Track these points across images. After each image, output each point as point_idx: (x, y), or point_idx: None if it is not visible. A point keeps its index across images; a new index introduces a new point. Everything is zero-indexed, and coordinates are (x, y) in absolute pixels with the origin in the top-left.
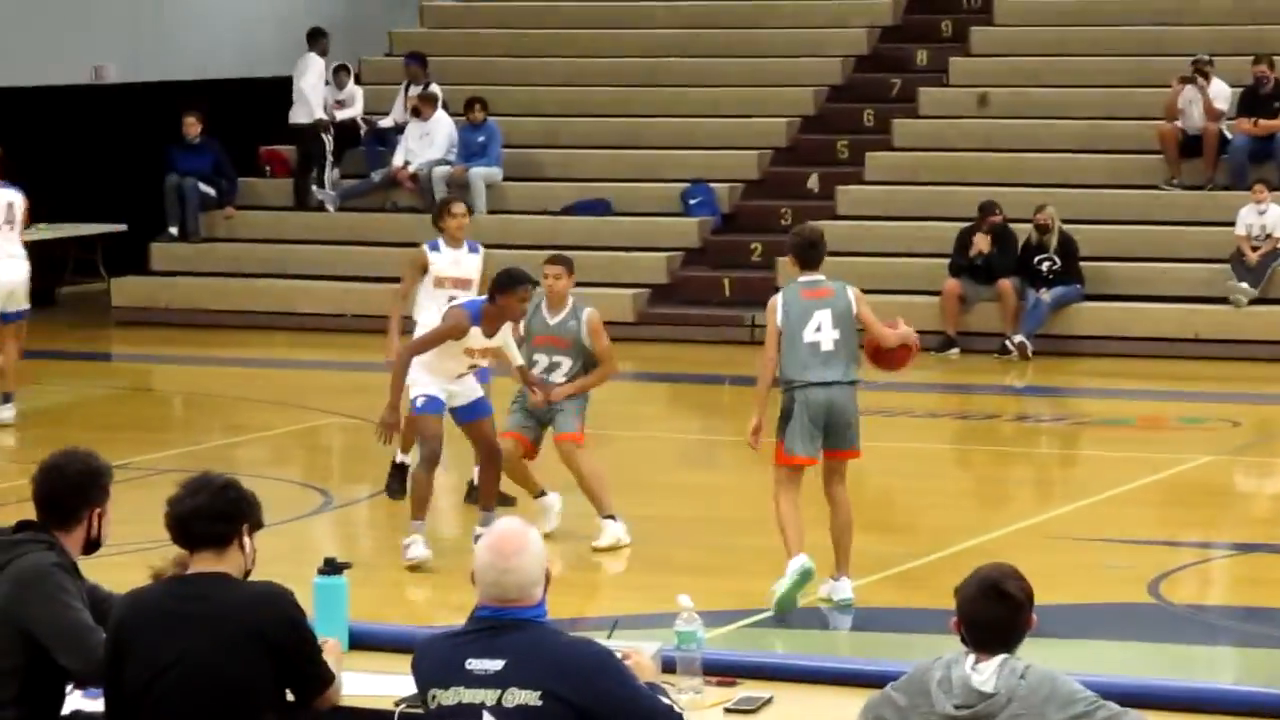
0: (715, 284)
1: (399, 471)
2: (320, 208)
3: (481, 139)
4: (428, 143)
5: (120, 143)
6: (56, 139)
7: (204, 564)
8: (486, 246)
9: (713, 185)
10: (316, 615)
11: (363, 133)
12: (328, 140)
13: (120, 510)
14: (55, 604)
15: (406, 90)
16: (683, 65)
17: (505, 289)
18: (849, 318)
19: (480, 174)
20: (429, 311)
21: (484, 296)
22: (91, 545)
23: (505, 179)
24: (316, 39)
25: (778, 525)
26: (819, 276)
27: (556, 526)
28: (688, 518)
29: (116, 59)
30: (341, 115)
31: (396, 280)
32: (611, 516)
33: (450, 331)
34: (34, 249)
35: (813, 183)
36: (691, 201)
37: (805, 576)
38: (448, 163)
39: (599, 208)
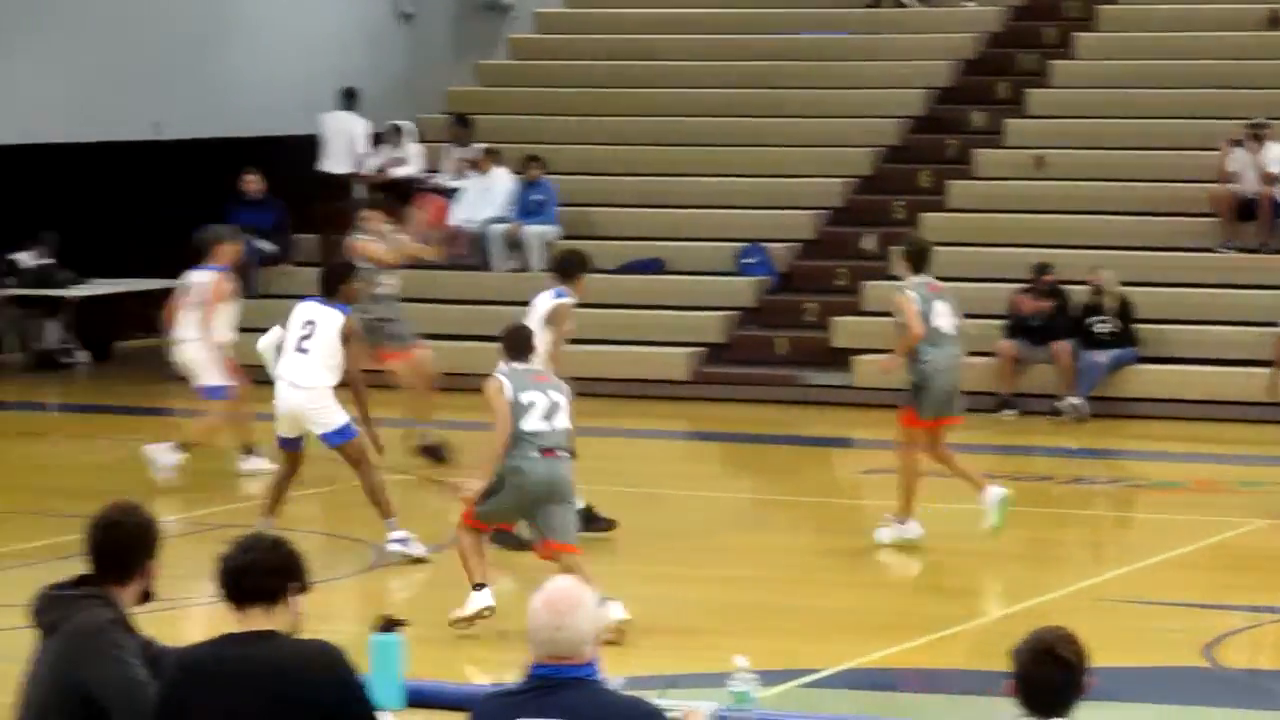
0: (769, 344)
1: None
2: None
3: (538, 197)
4: (486, 198)
5: (180, 198)
6: (117, 194)
7: (253, 621)
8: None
9: (768, 245)
10: (372, 672)
11: (418, 190)
12: (357, 192)
13: (178, 566)
14: (111, 661)
15: (453, 150)
16: (740, 125)
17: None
18: (958, 307)
19: (536, 232)
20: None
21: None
22: (145, 598)
23: (561, 237)
24: (348, 98)
25: (903, 479)
26: (930, 277)
27: None
28: (741, 578)
29: (177, 115)
30: (399, 172)
31: (452, 338)
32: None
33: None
34: (92, 304)
35: (868, 243)
36: (747, 261)
37: (1007, 502)
38: (504, 220)
39: (653, 266)
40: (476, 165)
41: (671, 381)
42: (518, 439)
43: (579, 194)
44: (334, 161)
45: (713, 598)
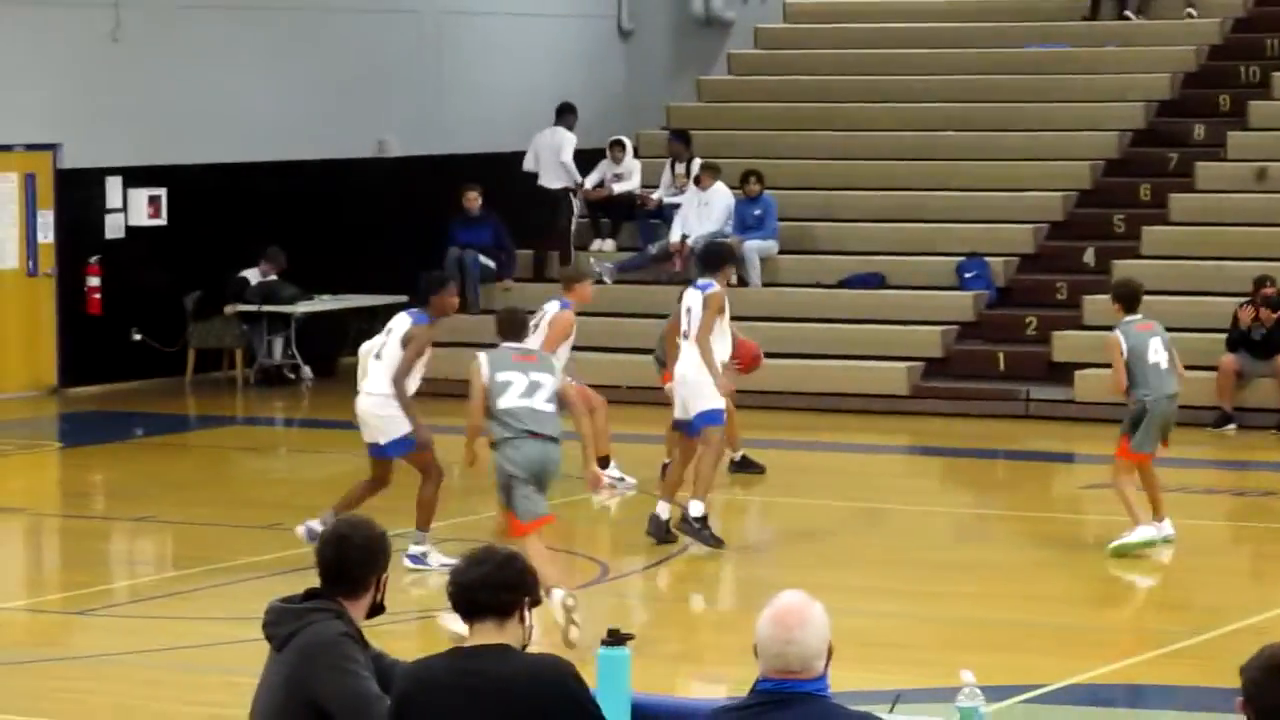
0: (990, 358)
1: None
2: (598, 280)
3: (757, 212)
4: (705, 214)
5: (402, 215)
6: (341, 211)
7: (485, 635)
8: (759, 320)
9: (988, 259)
10: (599, 687)
11: (637, 206)
12: (575, 207)
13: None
14: (343, 673)
15: (672, 167)
16: (959, 139)
17: (439, 288)
18: (1169, 342)
19: (755, 247)
20: (414, 381)
21: (416, 307)
22: (375, 610)
23: (780, 252)
24: (563, 114)
25: (1123, 502)
26: (1140, 316)
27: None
28: (963, 593)
29: (399, 133)
30: (619, 188)
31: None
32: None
33: (422, 348)
34: (317, 320)
35: (1088, 257)
36: (966, 275)
37: (1149, 543)
38: (723, 235)
39: (873, 281)
40: (696, 181)
41: (891, 396)
42: (496, 417)
43: (799, 209)
44: (549, 177)
45: (936, 612)
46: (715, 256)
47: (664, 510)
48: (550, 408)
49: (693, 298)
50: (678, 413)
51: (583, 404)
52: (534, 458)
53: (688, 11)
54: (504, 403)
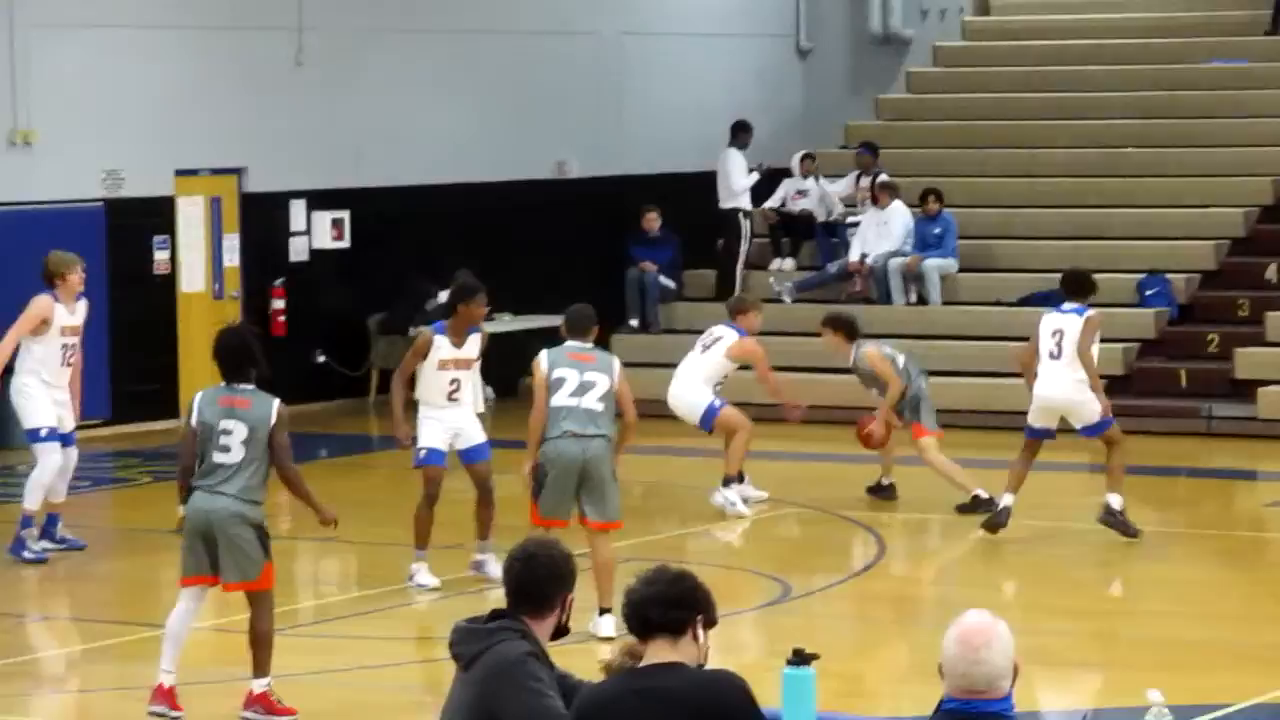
0: (1172, 375)
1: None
2: (777, 299)
3: (937, 230)
4: (884, 233)
5: (581, 236)
6: (521, 232)
7: (659, 653)
8: (940, 338)
9: (1169, 276)
10: (784, 706)
11: (818, 223)
12: (745, 228)
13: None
14: (528, 692)
15: (858, 180)
16: (1140, 156)
17: (464, 298)
18: None
19: (935, 265)
20: (432, 391)
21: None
22: (560, 631)
23: (960, 270)
24: (738, 133)
25: None
26: None
27: None
28: (1149, 611)
29: (578, 154)
30: (800, 205)
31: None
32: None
33: (421, 347)
34: (499, 341)
35: (1271, 273)
36: (1148, 293)
37: None
38: (903, 254)
39: (1054, 299)
40: (874, 200)
41: None
42: (551, 415)
43: (979, 227)
44: (723, 197)
45: (1120, 631)
46: (1081, 282)
47: (1115, 501)
48: (600, 406)
49: (1064, 321)
50: (1044, 422)
51: (631, 414)
52: (573, 456)
53: (866, 30)
54: (555, 400)
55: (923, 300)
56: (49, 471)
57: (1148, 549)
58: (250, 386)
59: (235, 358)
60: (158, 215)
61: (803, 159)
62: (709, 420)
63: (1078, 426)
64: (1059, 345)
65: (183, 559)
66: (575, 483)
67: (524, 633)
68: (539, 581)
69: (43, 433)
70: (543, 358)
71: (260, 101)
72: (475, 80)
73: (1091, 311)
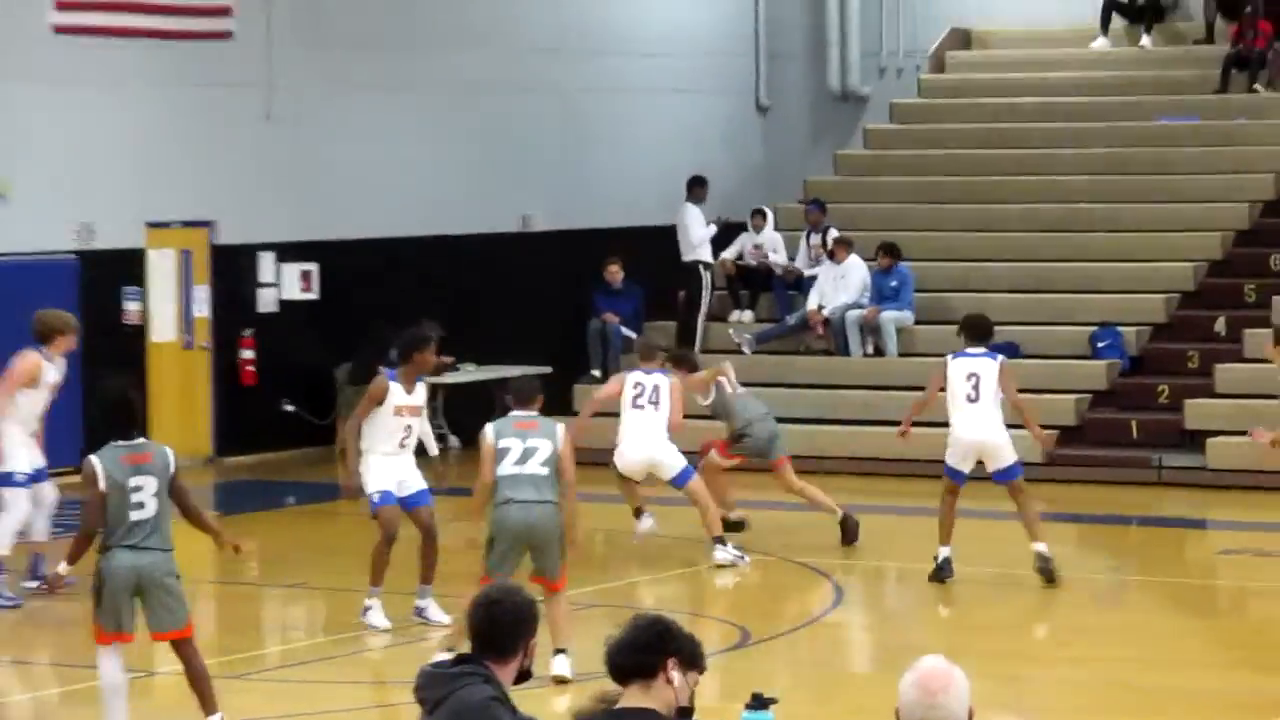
0: (1123, 426)
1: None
2: (738, 350)
3: (894, 283)
4: (842, 286)
5: (546, 287)
6: (486, 284)
7: (632, 698)
8: (897, 389)
9: (1121, 329)
10: None
11: (775, 275)
12: (705, 280)
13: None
14: None
15: (808, 237)
16: (1092, 211)
17: (417, 346)
18: None
19: (891, 317)
20: (382, 437)
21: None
22: (523, 675)
23: (916, 322)
24: (694, 188)
25: None
26: None
27: None
28: (1105, 657)
29: (543, 208)
30: (757, 259)
31: (809, 422)
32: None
33: (377, 394)
34: (464, 390)
35: (1219, 326)
36: (1100, 345)
37: None
38: (860, 306)
39: (1009, 351)
40: (832, 254)
41: (1027, 463)
42: (498, 485)
43: (936, 280)
44: (685, 249)
45: (1077, 676)
46: (985, 326)
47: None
48: (545, 471)
49: (978, 365)
50: (965, 464)
51: (570, 475)
52: (519, 522)
53: (825, 87)
54: (501, 469)
55: (879, 351)
56: (19, 517)
57: (1101, 596)
58: (143, 439)
59: (128, 412)
60: (129, 267)
61: (752, 214)
62: (685, 479)
63: (991, 469)
64: (975, 389)
65: (104, 618)
66: (523, 548)
67: (487, 677)
68: (502, 627)
69: (18, 477)
70: (489, 430)
71: (230, 156)
72: (441, 135)
73: (1001, 356)
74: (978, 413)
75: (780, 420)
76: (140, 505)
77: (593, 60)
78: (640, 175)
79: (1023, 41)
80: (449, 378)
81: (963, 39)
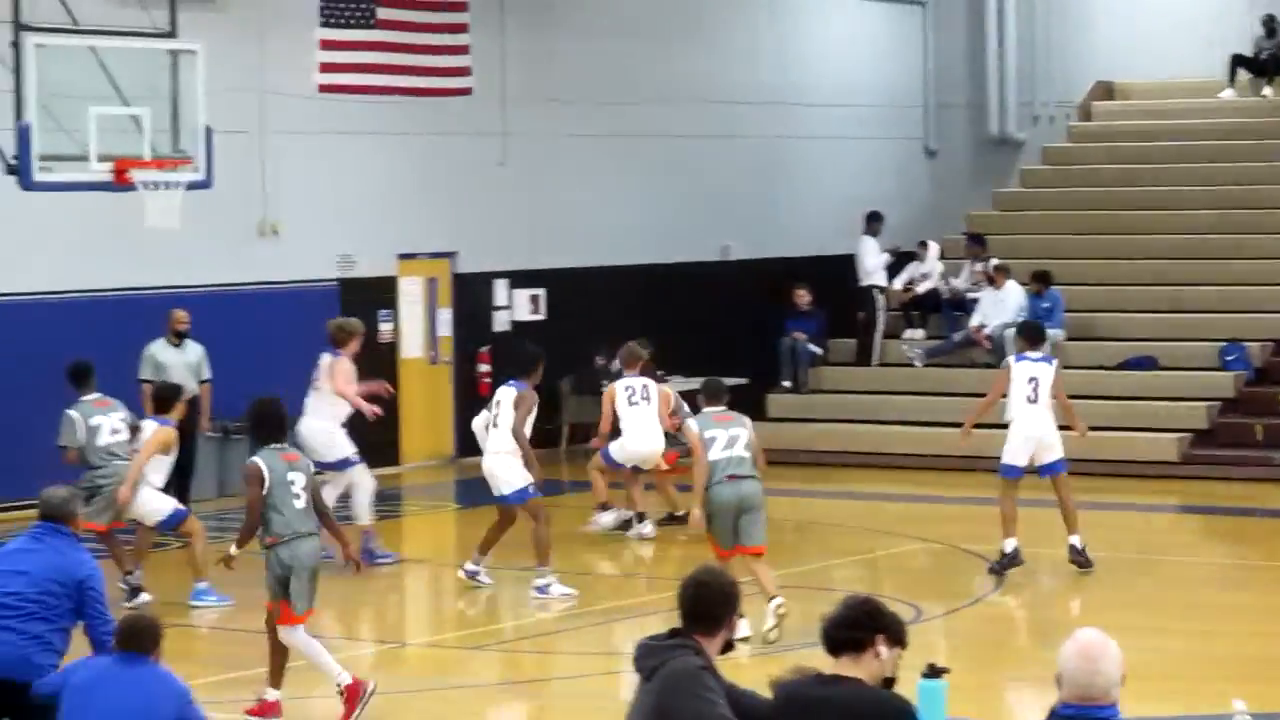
0: (1248, 430)
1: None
2: (909, 364)
3: (1046, 305)
4: (1001, 308)
5: (741, 309)
6: (690, 306)
7: (843, 668)
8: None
9: (1246, 344)
10: (920, 715)
11: (942, 298)
12: (880, 303)
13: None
14: (702, 701)
15: (972, 264)
16: (1220, 241)
17: (537, 363)
18: None
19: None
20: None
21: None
22: (727, 647)
23: (1067, 339)
24: (870, 222)
25: None
26: None
27: None
28: (1231, 631)
29: (740, 239)
30: (924, 287)
31: (977, 426)
32: None
33: (531, 406)
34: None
35: None
36: (1228, 358)
37: None
38: (1016, 325)
39: (1148, 364)
40: (991, 279)
41: (1164, 463)
42: (710, 468)
43: (1083, 302)
44: (861, 275)
45: (1206, 649)
46: (1041, 332)
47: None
48: (747, 453)
49: (1037, 369)
50: (1023, 460)
51: (760, 458)
52: (731, 496)
53: (985, 133)
54: (712, 455)
55: None
56: (369, 488)
57: (1227, 579)
58: (288, 444)
59: (279, 420)
60: (383, 292)
61: (919, 245)
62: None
63: (1041, 463)
64: (1035, 390)
65: (299, 600)
66: (734, 517)
67: (697, 649)
68: (711, 604)
69: (353, 458)
70: (692, 423)
71: (470, 196)
72: (651, 177)
73: (1056, 361)
74: (1036, 412)
75: (946, 426)
76: (298, 497)
77: (784, 111)
78: (824, 211)
79: (1159, 93)
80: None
81: (1106, 90)
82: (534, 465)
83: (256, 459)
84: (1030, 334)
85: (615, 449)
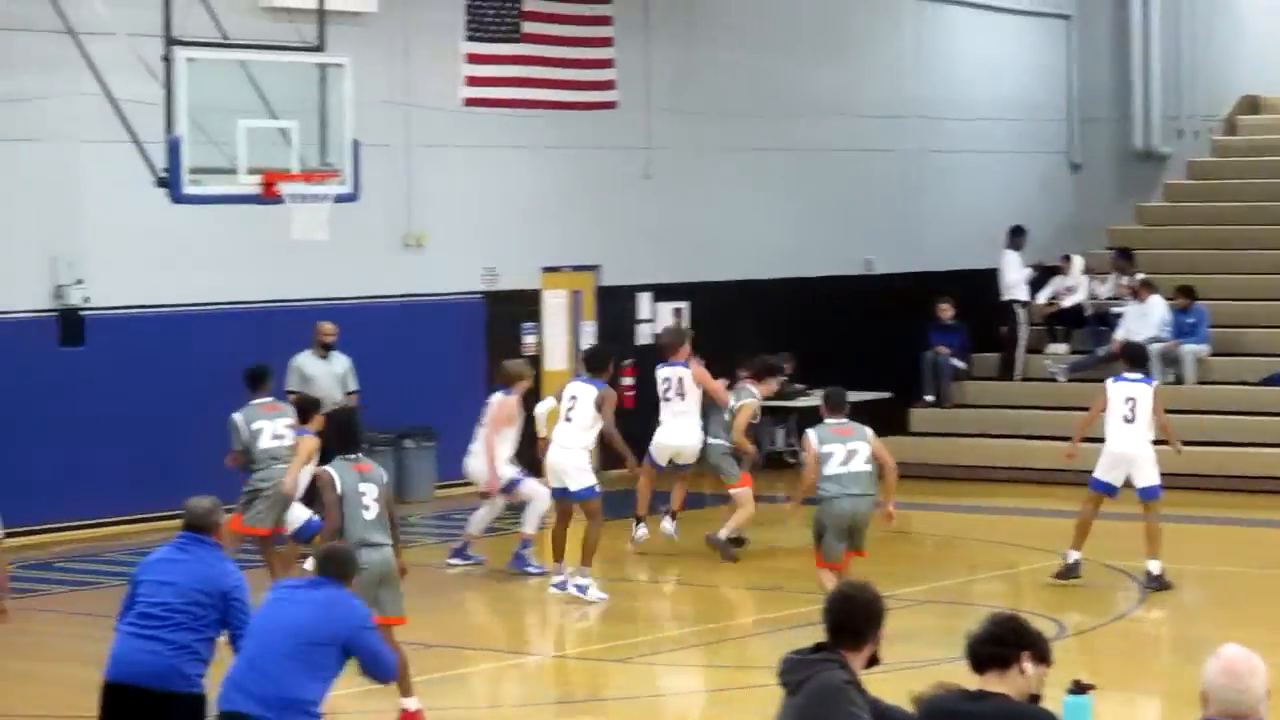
0: None
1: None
2: (1051, 379)
3: (1191, 320)
4: (1145, 322)
5: (885, 322)
6: (833, 319)
7: (989, 683)
8: (1194, 413)
9: None
10: None
11: (1086, 313)
12: (1022, 317)
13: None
14: (848, 717)
15: (1118, 278)
16: None
17: (617, 361)
18: None
19: (1190, 350)
20: None
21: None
22: (873, 661)
23: (1212, 354)
24: (1014, 236)
25: None
26: None
27: None
28: None
29: (883, 253)
30: (1068, 301)
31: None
32: None
33: (614, 406)
34: (814, 412)
35: None
36: None
37: None
38: (1161, 340)
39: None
40: (1136, 293)
41: None
42: (823, 480)
43: (1228, 317)
44: (1004, 290)
45: None
46: (1144, 354)
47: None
48: (867, 468)
49: (1135, 390)
50: (1112, 476)
51: (890, 463)
52: (845, 513)
53: (1129, 147)
54: (828, 469)
55: (1179, 380)
56: (541, 507)
57: None
58: (360, 455)
59: (353, 432)
60: (527, 305)
61: (1062, 259)
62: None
63: (1138, 485)
64: (1132, 410)
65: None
66: (846, 532)
67: (842, 664)
68: (856, 619)
69: (519, 476)
70: (811, 435)
71: (613, 209)
72: (795, 190)
73: (1156, 382)
74: (1133, 432)
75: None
76: (368, 508)
77: (926, 125)
78: (967, 225)
79: None
80: (801, 400)
81: (1251, 104)
82: (629, 456)
83: (328, 468)
84: (1131, 355)
85: (652, 446)
